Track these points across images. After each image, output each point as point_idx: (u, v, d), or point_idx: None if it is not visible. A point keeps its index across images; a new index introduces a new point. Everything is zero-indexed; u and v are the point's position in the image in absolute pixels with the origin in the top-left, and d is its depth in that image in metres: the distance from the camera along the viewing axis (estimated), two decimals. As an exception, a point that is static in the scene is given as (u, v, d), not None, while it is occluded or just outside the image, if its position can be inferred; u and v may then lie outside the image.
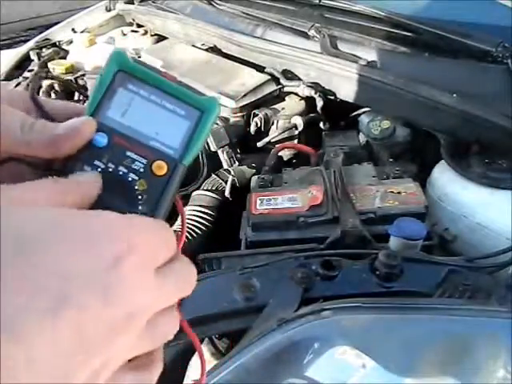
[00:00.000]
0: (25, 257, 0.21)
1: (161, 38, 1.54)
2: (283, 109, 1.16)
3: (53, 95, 1.31)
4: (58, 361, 0.21)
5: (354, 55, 1.16)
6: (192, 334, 0.34)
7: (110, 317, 0.23)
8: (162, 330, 0.28)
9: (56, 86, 1.36)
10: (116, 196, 0.29)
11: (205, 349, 0.66)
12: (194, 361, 0.64)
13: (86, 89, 1.35)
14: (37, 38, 1.63)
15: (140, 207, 0.30)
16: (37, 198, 0.25)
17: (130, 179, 0.30)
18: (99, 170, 0.30)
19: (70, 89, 1.37)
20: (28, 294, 0.21)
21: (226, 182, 1.01)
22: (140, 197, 0.30)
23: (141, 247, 0.25)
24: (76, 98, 1.35)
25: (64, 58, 1.55)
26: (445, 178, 0.89)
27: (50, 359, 0.21)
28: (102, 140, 0.30)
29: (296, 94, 1.19)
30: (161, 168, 0.30)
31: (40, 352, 0.20)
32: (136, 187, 0.30)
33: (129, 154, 0.30)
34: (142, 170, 0.30)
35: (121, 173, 0.30)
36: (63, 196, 0.27)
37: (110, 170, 0.30)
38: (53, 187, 0.27)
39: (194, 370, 0.64)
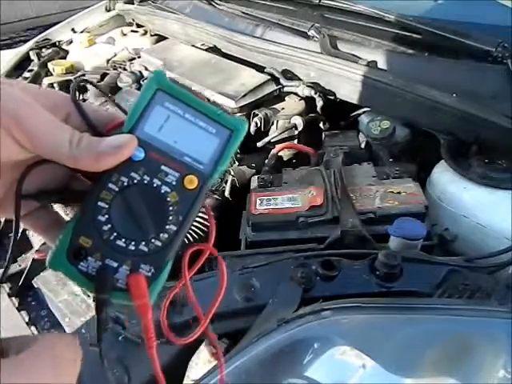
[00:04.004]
0: None
1: (161, 38, 1.54)
2: (283, 109, 1.16)
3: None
4: None
5: (354, 55, 1.16)
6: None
7: None
8: None
9: (56, 86, 1.36)
10: (150, 206, 0.32)
11: (205, 349, 0.66)
12: (194, 361, 0.64)
13: (86, 89, 1.35)
14: (36, 38, 1.63)
15: (170, 217, 0.32)
16: None
17: (163, 191, 0.32)
18: (135, 181, 0.32)
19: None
20: None
21: (225, 182, 1.01)
22: (171, 208, 0.32)
23: None
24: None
25: (64, 57, 1.55)
26: (445, 178, 0.89)
27: None
28: (140, 154, 0.32)
29: (296, 94, 1.19)
30: (192, 182, 0.33)
31: None
32: (168, 199, 0.32)
33: (163, 167, 0.32)
34: (174, 183, 0.33)
35: (155, 185, 0.32)
36: None
37: (145, 182, 0.32)
38: None
39: (193, 370, 0.64)
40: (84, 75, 1.39)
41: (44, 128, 0.29)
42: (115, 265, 0.32)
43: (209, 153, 0.33)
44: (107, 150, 0.30)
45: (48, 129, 0.29)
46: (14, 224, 0.32)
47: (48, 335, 0.28)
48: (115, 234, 0.32)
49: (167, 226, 0.32)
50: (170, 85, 0.33)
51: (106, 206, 0.32)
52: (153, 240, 0.32)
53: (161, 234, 0.32)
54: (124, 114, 0.34)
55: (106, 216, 0.32)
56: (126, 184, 0.32)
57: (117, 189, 0.32)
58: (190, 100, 0.33)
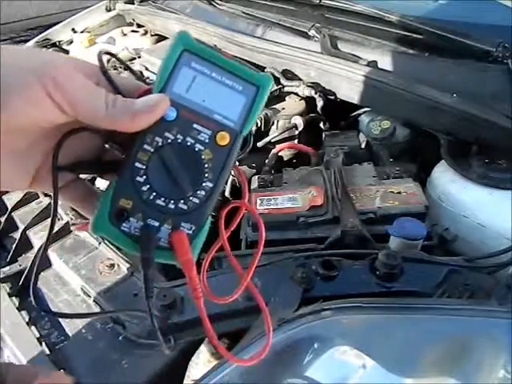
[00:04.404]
0: None
1: (161, 38, 1.54)
2: (283, 109, 1.16)
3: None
4: None
5: (354, 55, 1.16)
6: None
7: None
8: None
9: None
10: (185, 164, 0.33)
11: (205, 349, 0.66)
12: (194, 361, 0.64)
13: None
14: (37, 38, 1.63)
15: (206, 174, 0.34)
16: None
17: (196, 149, 0.33)
18: (169, 140, 0.33)
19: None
20: None
21: (225, 182, 1.01)
22: (206, 165, 0.33)
23: None
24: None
25: (64, 57, 1.55)
26: (445, 178, 0.89)
27: None
28: (172, 114, 0.32)
29: (296, 93, 1.19)
30: (224, 138, 0.34)
31: None
32: (202, 156, 0.33)
33: (195, 126, 0.33)
34: (207, 140, 0.33)
35: (188, 143, 0.33)
36: None
37: (179, 141, 0.33)
38: None
39: (194, 370, 0.64)
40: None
41: (81, 91, 0.30)
42: (157, 224, 0.33)
43: (237, 109, 0.34)
44: (142, 109, 0.31)
45: (85, 92, 0.30)
46: (52, 194, 0.33)
47: (46, 377, 0.28)
48: (154, 193, 0.33)
49: (204, 183, 0.34)
50: (196, 45, 0.33)
51: (144, 167, 0.32)
52: (191, 198, 0.33)
53: (198, 192, 0.33)
54: (145, 85, 0.35)
55: (144, 177, 0.32)
56: (160, 144, 0.32)
57: (152, 149, 0.32)
58: (216, 59, 0.33)
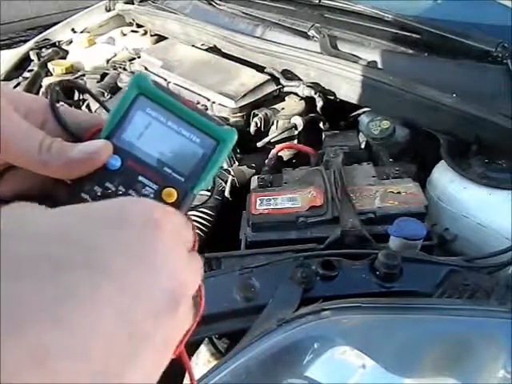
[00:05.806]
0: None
1: (161, 38, 1.54)
2: (283, 109, 1.16)
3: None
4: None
5: (354, 55, 1.16)
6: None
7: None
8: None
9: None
10: None
11: (205, 349, 0.66)
12: (194, 361, 0.64)
13: (86, 89, 1.36)
14: (36, 38, 1.63)
15: None
16: None
17: None
18: (109, 191, 0.29)
19: (69, 88, 1.37)
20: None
21: (225, 182, 1.01)
22: None
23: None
24: (76, 97, 1.35)
25: (64, 58, 1.55)
26: (445, 178, 0.89)
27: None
28: (116, 163, 0.29)
29: (296, 94, 1.19)
30: (171, 195, 0.30)
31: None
32: None
33: (141, 178, 0.30)
34: (151, 195, 0.30)
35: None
36: None
37: (120, 193, 0.29)
38: None
39: (193, 370, 0.64)
40: (83, 75, 1.39)
41: (12, 132, 0.27)
42: None
43: (191, 164, 0.30)
44: (78, 156, 0.28)
45: (17, 133, 0.27)
46: None
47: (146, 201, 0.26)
48: None
49: None
50: (153, 89, 0.30)
51: None
52: None
53: None
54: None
55: None
56: (99, 194, 0.29)
57: (90, 199, 0.29)
58: (173, 106, 0.30)
